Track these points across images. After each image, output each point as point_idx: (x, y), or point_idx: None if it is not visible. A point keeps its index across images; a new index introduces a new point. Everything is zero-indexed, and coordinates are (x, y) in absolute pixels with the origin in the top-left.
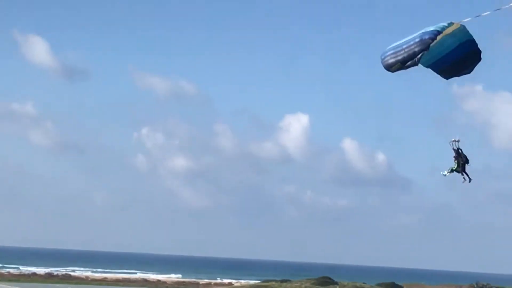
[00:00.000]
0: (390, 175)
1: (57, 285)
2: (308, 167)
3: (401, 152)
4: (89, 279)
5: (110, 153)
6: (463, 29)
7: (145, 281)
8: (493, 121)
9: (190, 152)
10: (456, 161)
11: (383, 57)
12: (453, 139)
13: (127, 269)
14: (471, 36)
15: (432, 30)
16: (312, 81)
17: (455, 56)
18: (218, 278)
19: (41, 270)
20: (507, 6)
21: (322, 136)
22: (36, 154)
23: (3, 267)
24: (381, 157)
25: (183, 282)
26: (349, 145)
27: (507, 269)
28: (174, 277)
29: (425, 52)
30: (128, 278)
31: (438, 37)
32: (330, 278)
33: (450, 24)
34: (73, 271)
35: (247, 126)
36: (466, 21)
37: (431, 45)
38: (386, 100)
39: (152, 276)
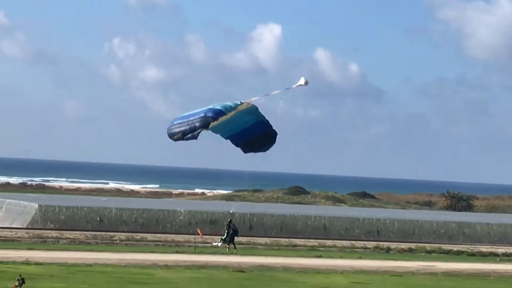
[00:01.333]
0: (363, 86)
1: (31, 194)
2: (281, 78)
3: (374, 63)
4: (63, 188)
5: (82, 63)
6: (256, 109)
7: (119, 191)
8: (468, 30)
9: (161, 63)
10: (226, 232)
11: (170, 125)
12: (227, 211)
13: (101, 179)
14: (264, 117)
15: (218, 109)
16: None
17: (254, 133)
18: (195, 189)
19: (14, 180)
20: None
21: (294, 46)
22: (7, 64)
23: None
24: (354, 67)
25: (157, 192)
26: (322, 56)
27: (477, 178)
28: (149, 187)
29: (215, 125)
30: (102, 188)
31: (232, 113)
32: (302, 188)
33: (242, 103)
34: (47, 181)
35: (219, 36)
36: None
37: (226, 120)
38: (359, 10)
39: (127, 186)
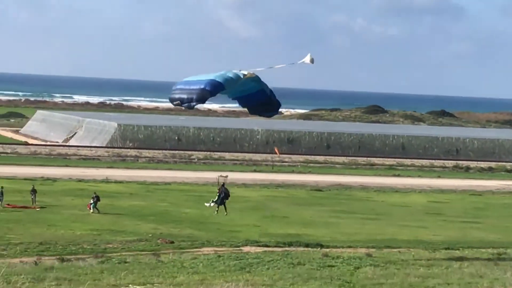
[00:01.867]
0: (442, 3)
1: (111, 113)
2: None
3: None
4: (142, 107)
5: None
6: (259, 79)
7: (197, 110)
8: None
9: None
10: (218, 194)
11: (173, 88)
12: (220, 175)
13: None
14: (267, 87)
15: (217, 82)
16: None
17: (258, 98)
18: None
19: (94, 99)
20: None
21: None
22: None
23: (58, 96)
24: None
25: (234, 111)
26: None
27: None
28: (227, 106)
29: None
30: (180, 107)
31: (233, 84)
32: (380, 107)
33: (245, 75)
34: (126, 100)
35: None
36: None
37: (236, 83)
38: None
39: (205, 105)
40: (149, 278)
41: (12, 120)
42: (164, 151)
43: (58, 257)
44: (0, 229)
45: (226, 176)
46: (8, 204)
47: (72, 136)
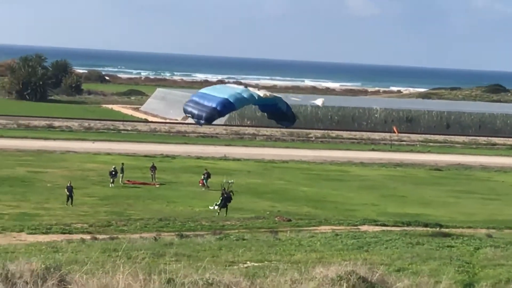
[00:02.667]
0: None
1: None
2: None
3: None
4: (260, 86)
5: None
6: (274, 98)
7: (314, 88)
8: None
9: None
10: (221, 197)
11: (190, 98)
12: (225, 181)
13: (296, 77)
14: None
15: (229, 103)
16: None
17: (274, 111)
18: (390, 87)
19: (212, 77)
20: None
21: None
22: None
23: (177, 74)
24: None
25: (352, 89)
26: None
27: None
28: (347, 84)
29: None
30: (298, 85)
31: (256, 99)
32: (501, 86)
33: (260, 97)
34: (244, 78)
35: None
36: None
37: (249, 103)
38: None
39: (323, 84)
40: (267, 255)
41: (133, 98)
42: (281, 129)
43: (177, 233)
44: (121, 205)
45: (232, 182)
46: (129, 180)
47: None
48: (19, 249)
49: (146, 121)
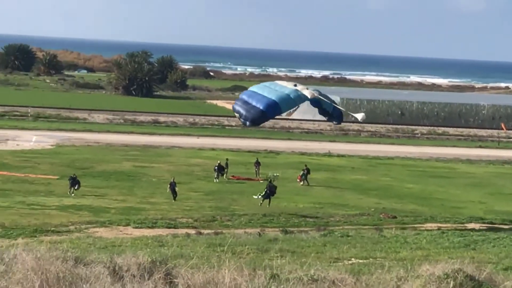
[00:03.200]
0: None
1: (333, 87)
2: None
3: None
4: (364, 82)
5: None
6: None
7: (420, 84)
8: None
9: None
10: (266, 189)
11: (240, 96)
12: (271, 174)
13: (402, 73)
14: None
15: (276, 106)
16: None
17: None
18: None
19: (316, 73)
20: None
21: None
22: None
23: (283, 70)
24: None
25: (459, 85)
26: None
27: None
28: (455, 81)
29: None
30: (403, 81)
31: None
32: None
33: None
34: (349, 74)
35: None
36: None
37: (296, 104)
38: None
39: (429, 80)
40: (372, 252)
41: (237, 94)
42: (386, 125)
43: (281, 229)
44: (225, 200)
45: (277, 175)
46: (233, 176)
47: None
48: (126, 243)
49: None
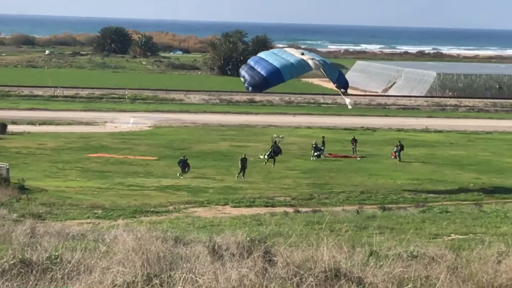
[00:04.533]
0: None
1: (429, 62)
2: None
3: None
4: (461, 56)
5: None
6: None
7: None
8: None
9: None
10: (270, 149)
11: (247, 62)
12: (275, 135)
13: (499, 46)
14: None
15: (279, 74)
16: None
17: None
18: None
19: (412, 49)
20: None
21: None
22: None
23: (377, 47)
24: None
25: None
26: None
27: None
28: None
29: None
30: (500, 55)
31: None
32: None
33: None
34: (446, 49)
35: None
36: None
37: (298, 72)
38: None
39: None
40: (472, 228)
41: None
42: (484, 99)
43: (379, 205)
44: (323, 178)
45: (282, 137)
46: (330, 154)
47: (391, 86)
48: (224, 222)
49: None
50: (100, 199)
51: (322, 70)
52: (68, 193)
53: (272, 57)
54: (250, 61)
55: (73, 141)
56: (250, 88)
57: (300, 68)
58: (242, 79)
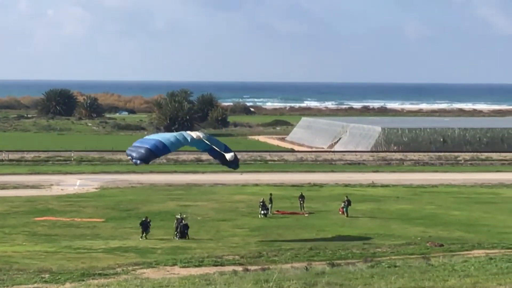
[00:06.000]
0: None
1: (373, 117)
2: None
3: None
4: (404, 111)
5: None
6: (207, 138)
7: (461, 110)
8: None
9: None
10: (175, 230)
11: (133, 144)
12: (179, 215)
13: (443, 100)
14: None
15: (161, 144)
16: None
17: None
18: None
19: (357, 104)
20: None
21: None
22: None
23: (329, 104)
24: None
25: (500, 110)
26: None
27: None
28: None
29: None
30: (444, 108)
31: (190, 141)
32: None
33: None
34: (387, 103)
35: None
36: None
37: (183, 144)
38: None
39: (470, 106)
40: (420, 281)
41: (278, 128)
42: (429, 153)
43: (328, 262)
44: (271, 235)
45: (186, 217)
46: (278, 211)
47: (337, 141)
48: (173, 283)
49: (292, 150)
50: (48, 263)
51: (205, 140)
52: (15, 258)
53: (156, 135)
54: (136, 143)
55: (19, 205)
56: (138, 162)
57: (183, 138)
58: (129, 157)
